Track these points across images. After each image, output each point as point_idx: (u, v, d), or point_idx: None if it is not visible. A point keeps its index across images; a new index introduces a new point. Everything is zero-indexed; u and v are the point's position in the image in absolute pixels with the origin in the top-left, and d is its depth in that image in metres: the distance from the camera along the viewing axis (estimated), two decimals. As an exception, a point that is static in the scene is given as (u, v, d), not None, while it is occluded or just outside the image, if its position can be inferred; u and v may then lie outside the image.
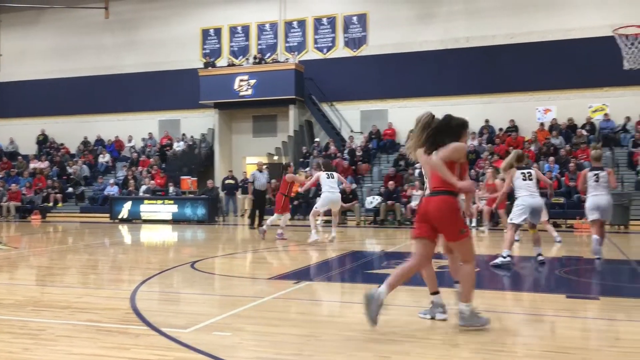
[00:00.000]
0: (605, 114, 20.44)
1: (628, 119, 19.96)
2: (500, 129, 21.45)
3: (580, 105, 20.77)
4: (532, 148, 20.08)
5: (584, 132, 19.88)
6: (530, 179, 8.64)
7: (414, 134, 5.09)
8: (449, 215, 4.84)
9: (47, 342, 4.49)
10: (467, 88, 22.08)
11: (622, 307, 6.13)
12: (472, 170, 18.96)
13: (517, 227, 8.81)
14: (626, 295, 6.67)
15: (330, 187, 11.93)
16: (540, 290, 7.38)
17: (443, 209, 4.84)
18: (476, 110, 21.86)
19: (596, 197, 8.81)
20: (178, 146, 24.92)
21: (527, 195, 8.57)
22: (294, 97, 23.20)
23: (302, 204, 20.03)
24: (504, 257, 8.43)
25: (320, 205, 12.11)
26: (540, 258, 8.76)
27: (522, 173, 8.67)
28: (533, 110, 21.36)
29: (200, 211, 19.57)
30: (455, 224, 4.86)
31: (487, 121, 21.68)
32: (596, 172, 8.89)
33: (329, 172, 12.18)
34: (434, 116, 5.05)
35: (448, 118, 4.99)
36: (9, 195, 22.52)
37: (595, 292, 7.18)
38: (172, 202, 20.02)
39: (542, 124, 21.06)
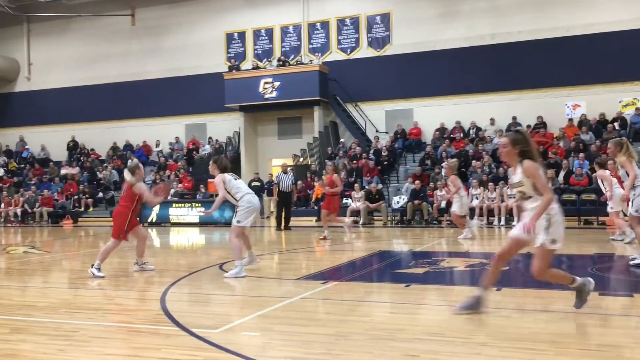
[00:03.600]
0: (637, 109, 20.00)
1: (659, 112, 19.52)
2: (528, 126, 21.14)
3: (610, 100, 20.37)
4: (561, 144, 19.77)
5: (615, 127, 19.49)
6: None
7: None
8: None
9: (80, 343, 4.58)
10: (493, 85, 21.83)
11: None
12: (501, 169, 18.74)
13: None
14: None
15: None
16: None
17: None
18: (503, 107, 21.62)
19: None
20: (204, 150, 25.15)
21: None
22: (318, 98, 23.23)
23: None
24: None
25: None
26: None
27: None
28: (561, 106, 21.01)
29: (228, 214, 19.69)
30: None
31: (514, 118, 21.41)
32: None
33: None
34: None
35: None
36: (41, 201, 23.01)
37: (629, 290, 7.03)
38: (199, 205, 20.22)
39: (570, 120, 20.71)
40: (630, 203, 8.13)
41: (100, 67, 27.57)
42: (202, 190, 21.57)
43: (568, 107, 20.98)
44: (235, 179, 8.04)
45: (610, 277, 7.93)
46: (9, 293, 7.43)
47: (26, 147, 28.87)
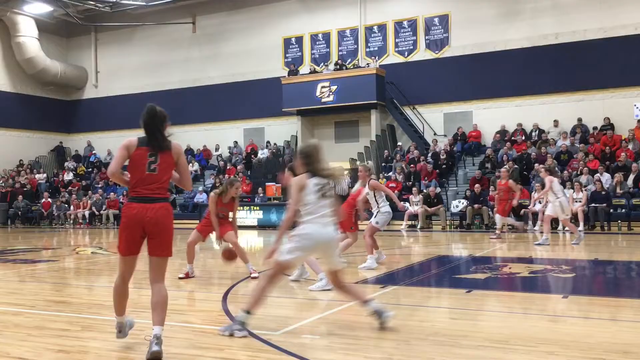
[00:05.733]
0: None
1: None
2: (595, 128, 20.39)
3: (684, 100, 19.38)
4: (630, 147, 18.96)
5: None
6: None
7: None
8: None
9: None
10: (557, 86, 21.16)
11: None
12: (566, 172, 18.15)
13: None
14: None
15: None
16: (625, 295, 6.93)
17: None
18: (568, 108, 20.93)
19: None
20: (262, 153, 25.49)
21: None
22: (375, 101, 23.15)
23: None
24: None
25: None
26: None
27: None
28: (630, 107, 20.11)
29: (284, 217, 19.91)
30: None
31: (579, 120, 20.69)
32: None
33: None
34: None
35: None
36: (107, 203, 23.91)
37: None
38: (257, 208, 20.49)
39: (640, 121, 19.83)
40: None
41: (163, 74, 28.41)
42: (261, 193, 21.85)
43: (637, 107, 20.06)
44: None
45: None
46: (78, 292, 7.75)
47: (93, 151, 30.06)
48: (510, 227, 15.54)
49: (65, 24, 29.95)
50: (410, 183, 20.01)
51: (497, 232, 14.10)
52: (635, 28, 20.06)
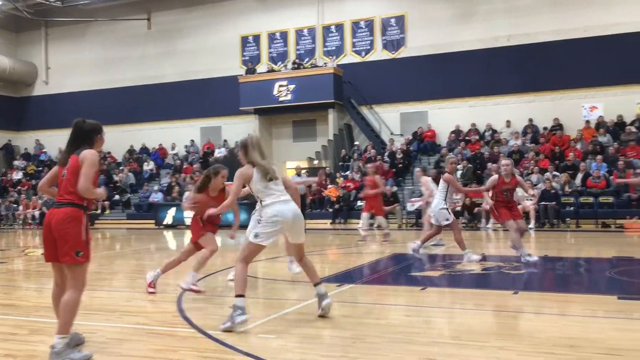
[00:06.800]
0: (655, 110, 19.75)
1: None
2: (545, 128, 20.98)
3: (628, 102, 20.10)
4: (578, 146, 19.58)
5: (633, 129, 19.25)
6: None
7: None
8: None
9: (98, 344, 4.61)
10: (510, 87, 21.68)
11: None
12: (517, 171, 18.60)
13: None
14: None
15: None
16: (592, 291, 7.17)
17: None
18: (519, 109, 21.46)
19: None
20: (220, 152, 25.27)
21: None
22: (333, 101, 23.25)
23: (343, 208, 20.04)
24: None
25: None
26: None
27: None
28: (579, 108, 20.77)
29: (243, 216, 19.77)
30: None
31: (530, 120, 21.25)
32: None
33: None
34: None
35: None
36: (59, 203, 23.23)
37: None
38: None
39: (588, 122, 20.49)
40: None
41: (116, 71, 27.83)
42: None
43: (585, 109, 20.74)
44: None
45: (632, 280, 7.81)
46: (27, 295, 7.52)
47: (43, 150, 29.20)
48: (373, 226, 14.98)
49: (14, 19, 28.99)
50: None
51: (371, 232, 13.18)
52: (584, 31, 20.72)
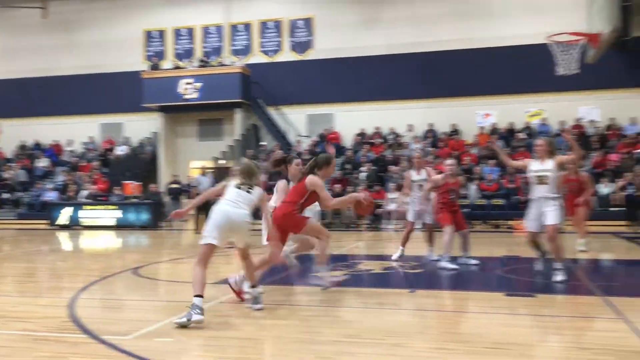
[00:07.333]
0: (543, 118, 21.18)
1: (563, 123, 20.75)
2: (444, 133, 21.94)
3: (519, 110, 21.44)
4: (474, 151, 20.62)
5: (523, 136, 20.54)
6: None
7: None
8: None
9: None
10: (412, 93, 22.46)
11: (557, 303, 6.39)
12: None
13: None
14: (560, 293, 6.94)
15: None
16: (483, 289, 7.57)
17: None
18: (420, 114, 22.26)
19: None
20: (121, 150, 24.35)
21: None
22: (240, 100, 23.07)
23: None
24: None
25: None
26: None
27: None
28: (474, 115, 21.92)
29: (144, 216, 19.22)
30: None
31: (430, 125, 22.13)
32: None
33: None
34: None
35: None
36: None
37: (532, 290, 7.42)
38: (115, 207, 19.54)
39: (482, 128, 21.66)
40: None
41: (8, 61, 26.08)
42: (117, 192, 20.79)
43: (480, 115, 21.93)
44: None
45: (519, 278, 8.32)
46: None
47: None
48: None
49: None
50: (273, 183, 20.18)
51: None
52: (481, 43, 21.84)
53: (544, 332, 5.14)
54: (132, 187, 20.82)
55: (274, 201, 6.92)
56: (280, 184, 7.01)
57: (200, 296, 5.17)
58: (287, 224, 6.34)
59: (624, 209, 16.62)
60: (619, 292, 7.01)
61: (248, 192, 5.67)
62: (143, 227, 18.86)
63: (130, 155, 24.22)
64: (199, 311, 5.04)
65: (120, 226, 18.98)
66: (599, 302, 6.15)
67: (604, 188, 17.52)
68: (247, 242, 5.71)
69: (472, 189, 18.64)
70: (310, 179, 6.34)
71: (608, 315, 5.45)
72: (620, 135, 20.02)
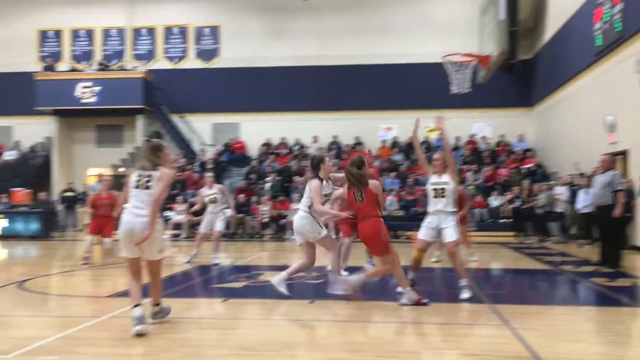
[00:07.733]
0: (440, 134, 22.17)
1: (457, 138, 21.85)
2: (347, 145, 22.43)
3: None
4: (376, 164, 21.23)
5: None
6: None
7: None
8: None
9: None
10: (317, 105, 22.80)
11: (446, 311, 6.70)
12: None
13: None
14: (450, 301, 7.27)
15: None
16: (379, 299, 7.78)
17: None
18: (325, 126, 22.63)
19: None
20: (9, 155, 22.87)
21: None
22: (142, 106, 22.40)
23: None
24: None
25: None
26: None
27: None
28: (377, 128, 22.60)
29: (34, 226, 18.14)
30: None
31: (335, 137, 22.55)
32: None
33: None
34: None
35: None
36: None
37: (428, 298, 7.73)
38: (1, 216, 18.30)
39: (384, 141, 22.35)
40: None
41: None
42: (4, 199, 19.48)
43: (381, 129, 22.64)
44: None
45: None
46: None
47: None
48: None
49: None
50: (176, 192, 19.71)
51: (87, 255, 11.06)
52: (382, 59, 22.57)
53: (433, 339, 5.37)
54: (21, 194, 19.60)
55: (306, 200, 6.94)
56: (314, 183, 6.87)
57: (138, 305, 5.20)
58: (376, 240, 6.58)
59: (511, 220, 17.71)
60: (505, 299, 7.46)
61: (147, 187, 5.33)
62: (32, 237, 17.77)
63: (20, 160, 22.83)
64: (136, 322, 5.10)
65: (7, 236, 17.77)
66: (485, 310, 6.50)
67: (494, 201, 18.60)
68: (154, 254, 5.41)
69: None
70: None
71: (493, 322, 5.79)
72: (509, 152, 21.37)
